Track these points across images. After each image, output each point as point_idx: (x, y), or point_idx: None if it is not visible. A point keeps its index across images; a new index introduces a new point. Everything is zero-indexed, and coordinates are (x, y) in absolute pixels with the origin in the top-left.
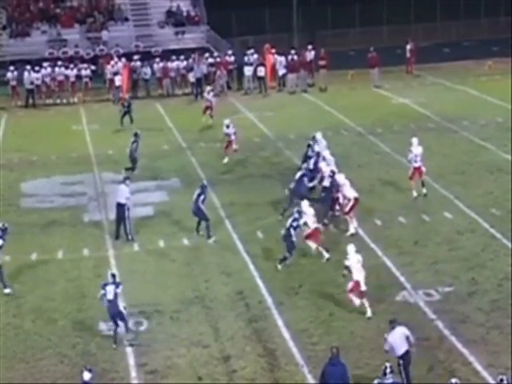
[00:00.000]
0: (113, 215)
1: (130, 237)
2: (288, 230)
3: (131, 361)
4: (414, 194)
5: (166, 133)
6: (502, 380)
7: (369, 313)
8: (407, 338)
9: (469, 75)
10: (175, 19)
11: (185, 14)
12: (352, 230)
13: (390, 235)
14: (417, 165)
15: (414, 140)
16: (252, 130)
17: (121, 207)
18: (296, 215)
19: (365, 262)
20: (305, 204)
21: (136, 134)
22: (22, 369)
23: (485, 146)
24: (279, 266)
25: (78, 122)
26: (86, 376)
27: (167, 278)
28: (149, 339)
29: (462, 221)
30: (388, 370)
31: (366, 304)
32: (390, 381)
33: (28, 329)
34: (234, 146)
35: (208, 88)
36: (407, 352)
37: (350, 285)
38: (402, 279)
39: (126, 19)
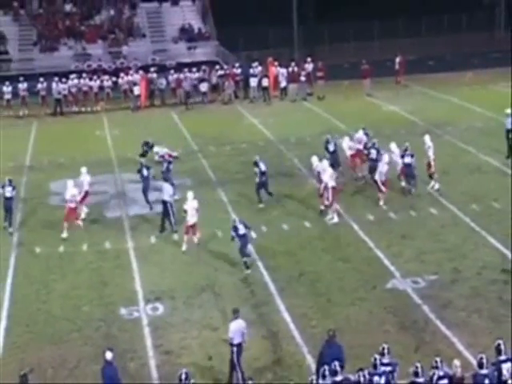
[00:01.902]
0: (132, 211)
1: (174, 228)
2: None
3: (148, 342)
4: (436, 186)
5: (180, 137)
6: (481, 358)
7: (196, 240)
8: (243, 332)
9: (451, 85)
10: (188, 35)
11: (196, 30)
12: (335, 219)
13: (381, 229)
14: (433, 157)
15: (427, 137)
16: (257, 135)
17: (165, 204)
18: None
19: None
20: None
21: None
22: (50, 350)
23: (466, 149)
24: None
25: (100, 128)
26: (109, 356)
27: (181, 267)
28: (164, 322)
29: (446, 216)
30: (386, 351)
31: (196, 239)
32: (388, 360)
33: (56, 314)
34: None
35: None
36: (240, 344)
37: (184, 226)
38: (392, 268)
39: (144, 35)
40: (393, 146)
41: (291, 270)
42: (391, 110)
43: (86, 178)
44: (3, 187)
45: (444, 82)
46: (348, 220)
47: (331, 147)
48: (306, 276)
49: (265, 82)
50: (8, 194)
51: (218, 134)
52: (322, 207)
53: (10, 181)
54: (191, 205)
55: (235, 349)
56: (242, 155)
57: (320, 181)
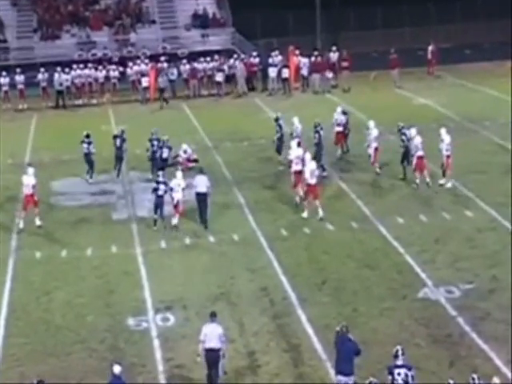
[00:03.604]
0: (140, 213)
1: (207, 222)
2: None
3: (158, 355)
4: (442, 181)
5: (193, 132)
6: None
7: (175, 222)
8: (220, 336)
9: (489, 76)
10: (201, 22)
11: (210, 16)
12: (305, 214)
13: (412, 233)
14: (448, 153)
15: (443, 130)
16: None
17: (202, 196)
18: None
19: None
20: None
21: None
22: (51, 363)
23: (504, 146)
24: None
25: (106, 122)
26: (117, 369)
27: (193, 274)
28: (175, 334)
29: (483, 219)
30: (400, 353)
31: (177, 216)
32: (401, 362)
33: (58, 323)
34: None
35: None
36: (217, 350)
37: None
38: (424, 276)
39: (153, 22)
40: (371, 124)
41: (314, 277)
42: (423, 103)
43: None
44: (82, 143)
45: (481, 73)
46: (375, 223)
47: (283, 124)
48: (330, 284)
49: (285, 73)
50: (85, 151)
51: (233, 129)
52: (297, 199)
53: (88, 136)
54: (181, 183)
55: (204, 352)
56: (260, 152)
57: (293, 170)
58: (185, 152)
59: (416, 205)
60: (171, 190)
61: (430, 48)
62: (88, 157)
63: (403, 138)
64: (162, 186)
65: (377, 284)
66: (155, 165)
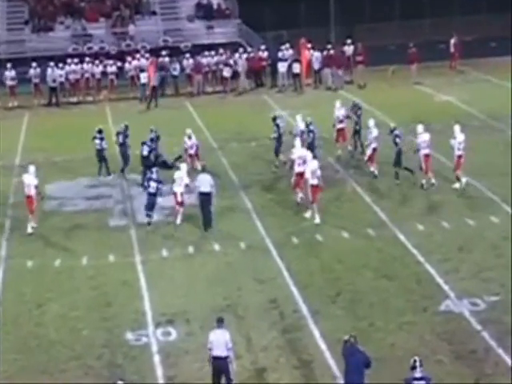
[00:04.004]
0: (140, 219)
1: (212, 224)
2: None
3: (159, 372)
4: (457, 185)
5: (196, 132)
6: None
7: (178, 220)
8: (226, 343)
9: None
10: (205, 12)
11: (215, 7)
12: (317, 220)
13: (433, 240)
14: (460, 153)
15: (457, 127)
16: (285, 129)
17: (206, 196)
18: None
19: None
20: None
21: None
22: (45, 380)
23: None
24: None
25: (103, 121)
26: None
27: (197, 285)
28: (178, 349)
29: (509, 225)
30: (418, 364)
31: (179, 212)
32: (420, 375)
33: (51, 338)
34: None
35: None
36: (223, 358)
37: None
38: (446, 287)
39: (154, 13)
40: (371, 122)
41: (327, 288)
42: (444, 100)
43: None
44: (94, 139)
45: (507, 68)
46: (393, 229)
47: (281, 123)
48: (345, 296)
49: (296, 68)
50: (98, 147)
51: (240, 129)
52: (299, 199)
53: (100, 131)
54: (180, 174)
55: (212, 360)
56: (268, 153)
57: (295, 171)
58: (189, 137)
59: (437, 210)
60: (173, 181)
61: (453, 41)
62: (101, 153)
63: (397, 140)
64: (152, 184)
65: (395, 296)
66: (145, 164)
